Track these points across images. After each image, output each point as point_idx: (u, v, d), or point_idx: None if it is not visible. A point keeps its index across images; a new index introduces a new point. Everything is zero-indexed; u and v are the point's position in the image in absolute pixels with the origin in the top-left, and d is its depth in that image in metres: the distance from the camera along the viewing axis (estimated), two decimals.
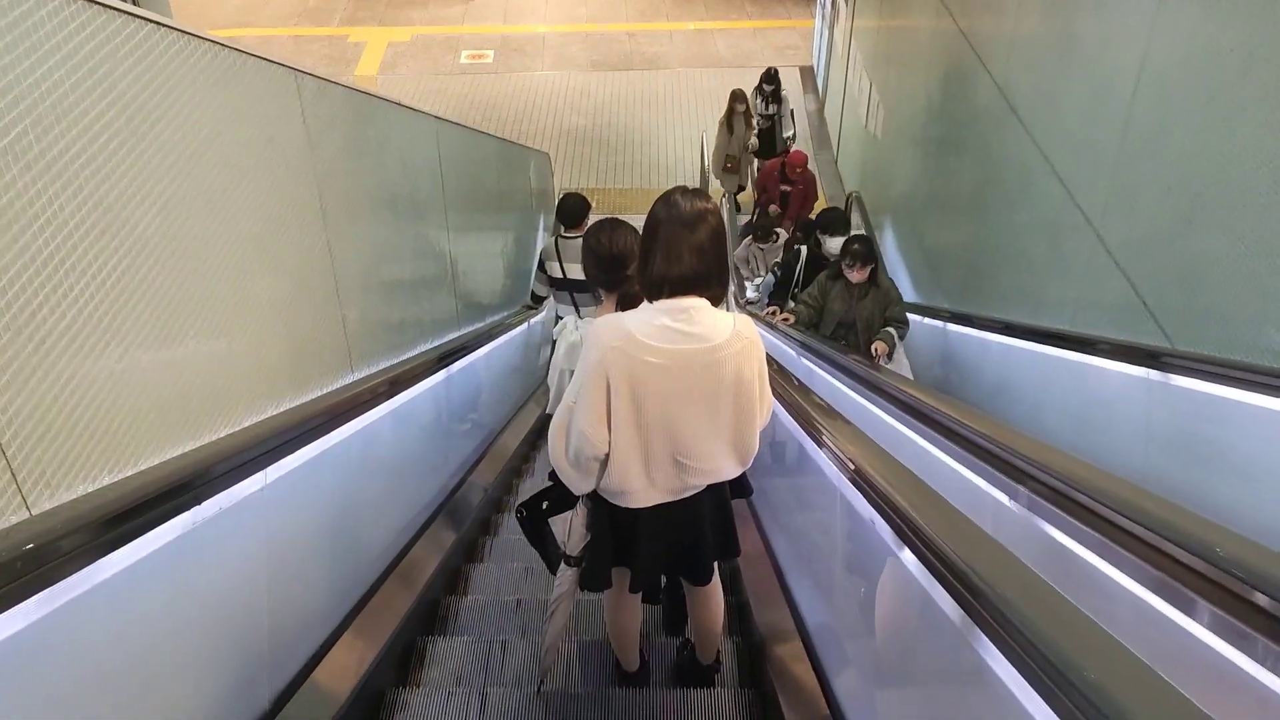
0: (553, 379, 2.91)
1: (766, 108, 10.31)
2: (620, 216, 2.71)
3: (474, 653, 2.97)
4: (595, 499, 2.32)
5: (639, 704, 2.67)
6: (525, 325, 6.49)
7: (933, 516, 1.59)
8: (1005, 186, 4.90)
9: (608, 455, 2.13)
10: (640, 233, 2.19)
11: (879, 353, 4.64)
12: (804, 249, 6.00)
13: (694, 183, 11.00)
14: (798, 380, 3.22)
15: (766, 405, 2.26)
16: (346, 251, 2.80)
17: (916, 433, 2.75)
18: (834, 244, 5.56)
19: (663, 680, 2.90)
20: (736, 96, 9.71)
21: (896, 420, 2.95)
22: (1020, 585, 1.26)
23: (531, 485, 4.89)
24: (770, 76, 10.34)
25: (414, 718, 2.60)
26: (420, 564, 3.23)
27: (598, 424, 2.08)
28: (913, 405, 2.83)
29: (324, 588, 2.50)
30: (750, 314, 5.70)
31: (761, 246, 7.95)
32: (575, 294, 5.20)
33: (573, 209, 5.10)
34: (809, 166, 9.07)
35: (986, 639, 1.27)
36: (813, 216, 7.79)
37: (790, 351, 4.98)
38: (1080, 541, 1.74)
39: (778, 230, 8.07)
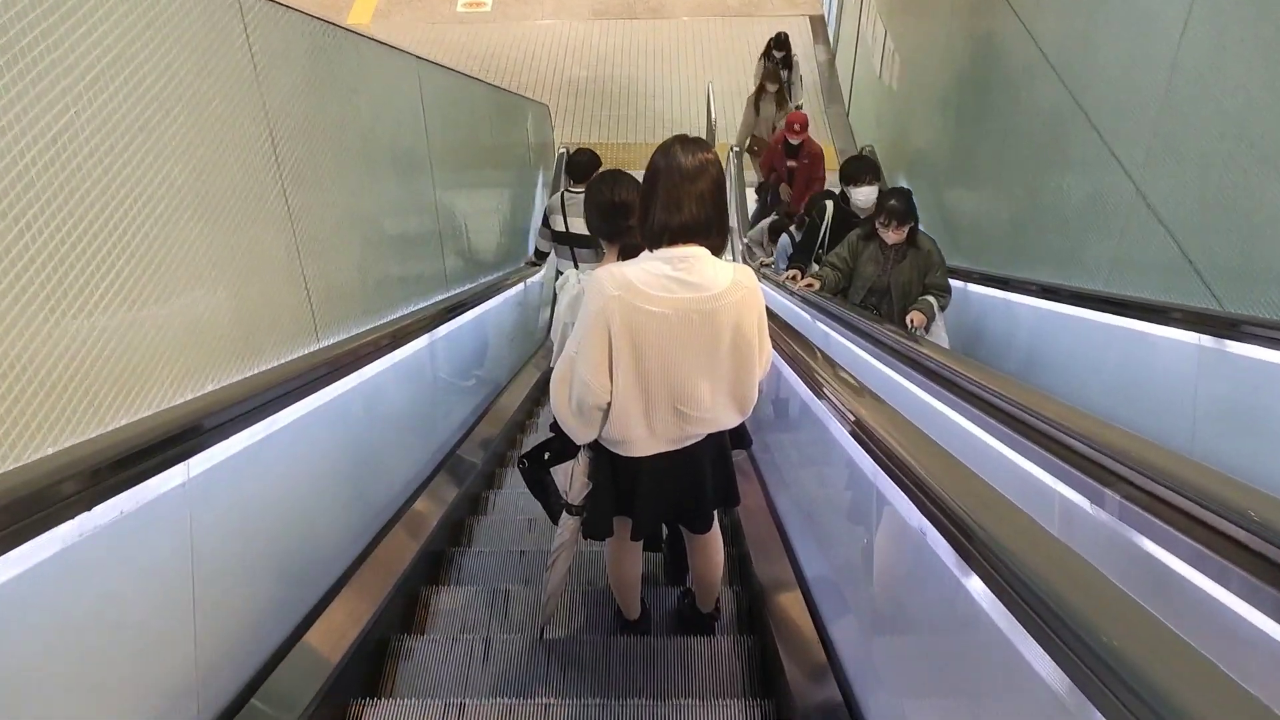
0: (555, 332, 2.92)
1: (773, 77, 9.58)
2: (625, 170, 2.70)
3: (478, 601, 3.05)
4: (596, 448, 2.35)
5: (640, 650, 2.72)
6: (522, 285, 6.21)
7: (927, 462, 1.60)
8: (1034, 138, 4.58)
9: (609, 404, 2.15)
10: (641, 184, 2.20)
11: (915, 324, 4.07)
12: (829, 203, 5.21)
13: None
14: (819, 352, 2.96)
15: (766, 355, 2.30)
16: (309, 205, 2.52)
17: (965, 416, 2.45)
18: (863, 196, 4.86)
19: (663, 628, 2.95)
20: (769, 75, 8.99)
21: (936, 399, 2.66)
22: (1016, 529, 1.25)
23: (534, 439, 4.71)
24: (780, 41, 9.64)
25: (418, 663, 2.68)
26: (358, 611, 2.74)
27: (599, 373, 2.11)
28: (960, 383, 2.52)
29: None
30: (766, 277, 5.42)
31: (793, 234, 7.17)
32: (576, 249, 5.23)
33: (583, 164, 5.08)
34: (813, 140, 8.11)
35: (980, 581, 1.27)
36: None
37: (803, 315, 4.68)
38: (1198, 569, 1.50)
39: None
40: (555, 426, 2.43)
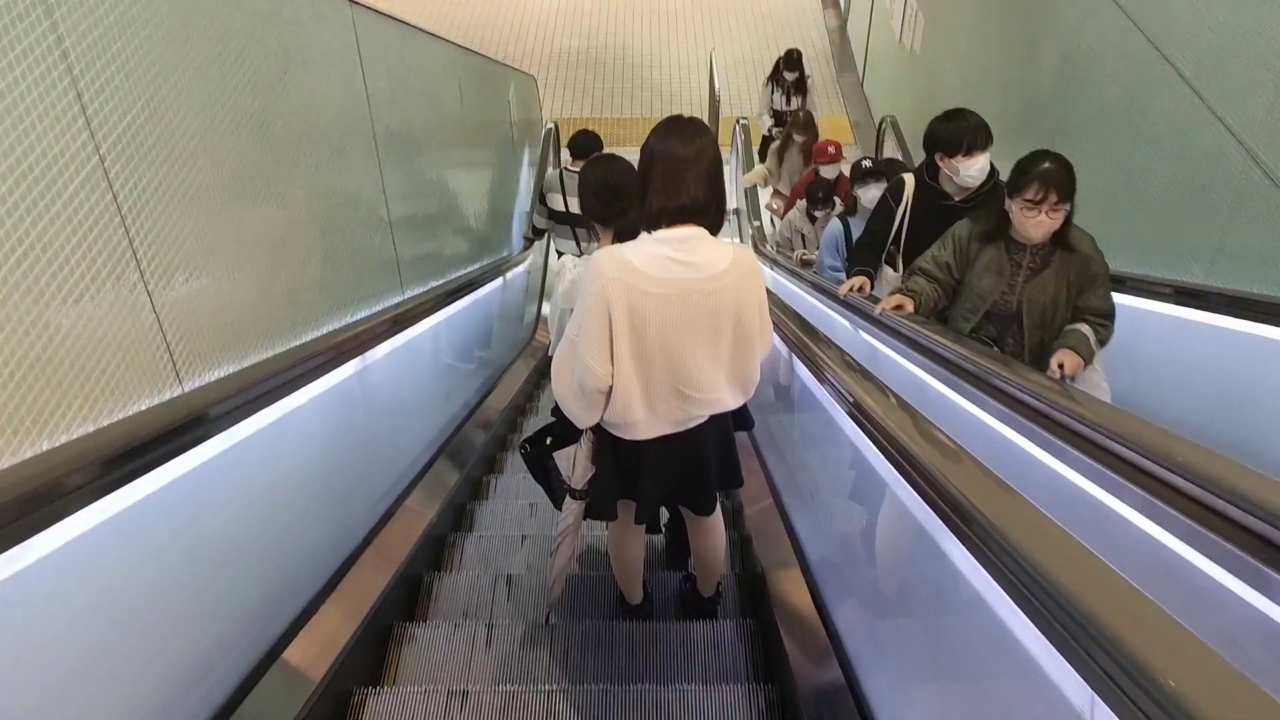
0: (552, 318, 2.94)
1: (787, 102, 8.05)
2: (620, 149, 2.82)
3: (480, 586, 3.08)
4: (599, 431, 2.37)
5: (642, 635, 2.77)
6: (501, 281, 5.50)
7: (929, 449, 1.61)
8: (1104, 100, 3.87)
9: (611, 387, 2.17)
10: (636, 167, 2.20)
11: (1066, 370, 2.63)
12: (909, 178, 3.55)
13: (700, 111, 9.92)
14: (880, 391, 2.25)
15: (766, 335, 2.31)
16: (157, 194, 1.82)
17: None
18: (973, 170, 3.17)
19: (666, 612, 3.01)
20: (802, 125, 7.05)
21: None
22: (1021, 520, 1.25)
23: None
24: (792, 60, 8.03)
25: (421, 649, 2.72)
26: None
27: (600, 356, 2.12)
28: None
29: None
30: (818, 286, 4.17)
31: (816, 214, 5.81)
32: (577, 228, 5.30)
33: (585, 143, 5.26)
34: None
35: (979, 566, 1.29)
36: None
37: (840, 321, 3.69)
38: None
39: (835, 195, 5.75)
40: (557, 410, 2.46)
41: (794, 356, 3.06)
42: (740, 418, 2.54)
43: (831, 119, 10.42)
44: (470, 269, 4.91)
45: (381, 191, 3.39)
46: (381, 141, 3.39)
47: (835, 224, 4.74)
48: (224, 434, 1.93)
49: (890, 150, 8.20)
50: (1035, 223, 2.67)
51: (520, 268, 6.36)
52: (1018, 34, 5.27)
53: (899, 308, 2.93)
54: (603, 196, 2.58)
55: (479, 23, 12.05)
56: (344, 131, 3.00)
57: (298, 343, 2.48)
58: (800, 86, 8.04)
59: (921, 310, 2.93)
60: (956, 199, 3.29)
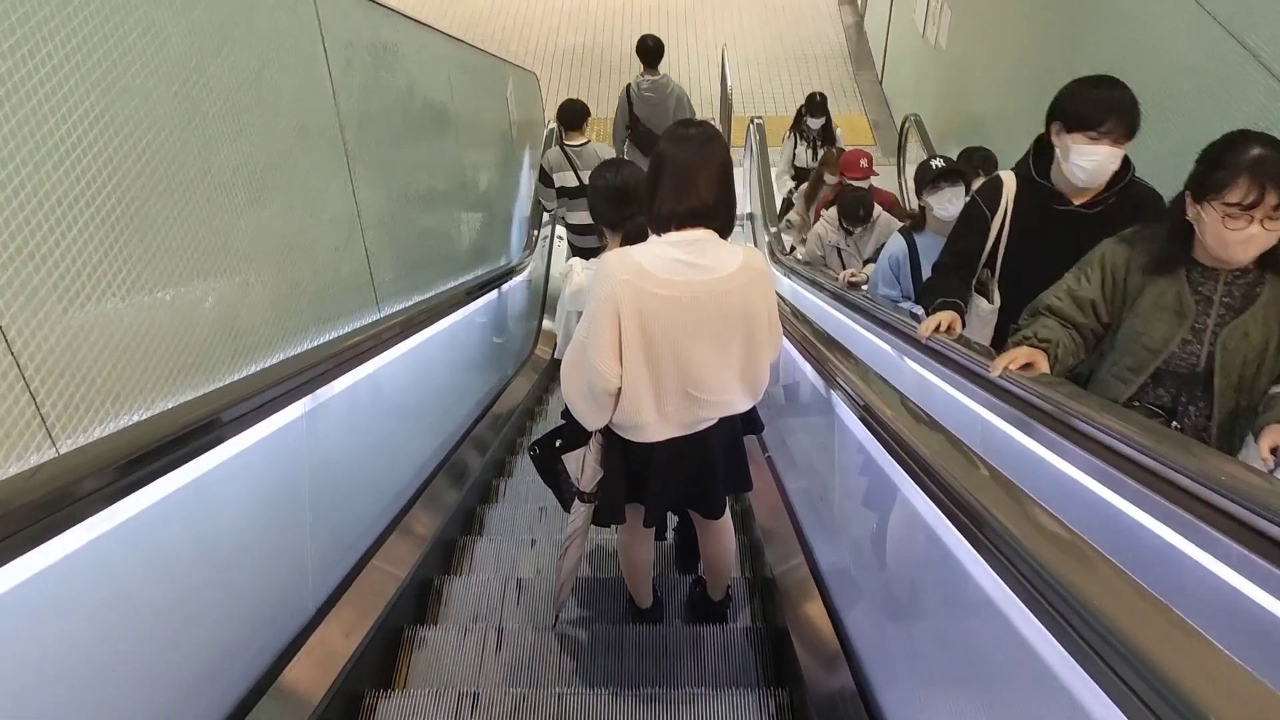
0: (559, 322, 2.92)
1: (814, 156, 7.11)
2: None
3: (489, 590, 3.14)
4: (608, 434, 2.41)
5: (652, 639, 2.79)
6: (496, 294, 5.08)
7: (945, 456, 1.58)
8: (1170, 92, 3.44)
9: (620, 389, 2.21)
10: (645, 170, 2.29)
11: None
12: (1009, 178, 2.70)
13: (712, 111, 9.52)
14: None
15: (776, 337, 2.35)
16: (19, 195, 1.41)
17: None
18: (1087, 159, 2.40)
19: (675, 616, 3.04)
20: (835, 164, 5.98)
21: None
22: (1040, 528, 1.21)
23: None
24: (816, 105, 7.08)
25: (431, 652, 2.75)
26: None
27: (609, 358, 2.16)
28: None
29: None
30: (880, 318, 3.26)
31: (850, 230, 5.08)
32: None
33: (577, 111, 5.62)
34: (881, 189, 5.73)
35: (995, 574, 1.28)
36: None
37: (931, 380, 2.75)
38: None
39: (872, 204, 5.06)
40: (566, 413, 2.53)
41: (837, 397, 2.60)
42: (749, 421, 2.57)
43: (850, 119, 10.03)
44: (462, 280, 4.50)
45: (351, 195, 2.97)
46: (351, 138, 2.99)
47: (897, 242, 3.72)
48: (131, 497, 1.51)
49: (914, 152, 7.77)
50: (1243, 238, 1.88)
51: (519, 277, 5.94)
52: (1061, 23, 4.89)
53: (1028, 366, 2.07)
54: (613, 200, 2.66)
55: (480, 20, 11.75)
56: (301, 125, 2.59)
57: (234, 378, 2.05)
58: (828, 135, 7.09)
59: (1058, 368, 2.13)
60: (1075, 203, 2.52)
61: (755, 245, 7.70)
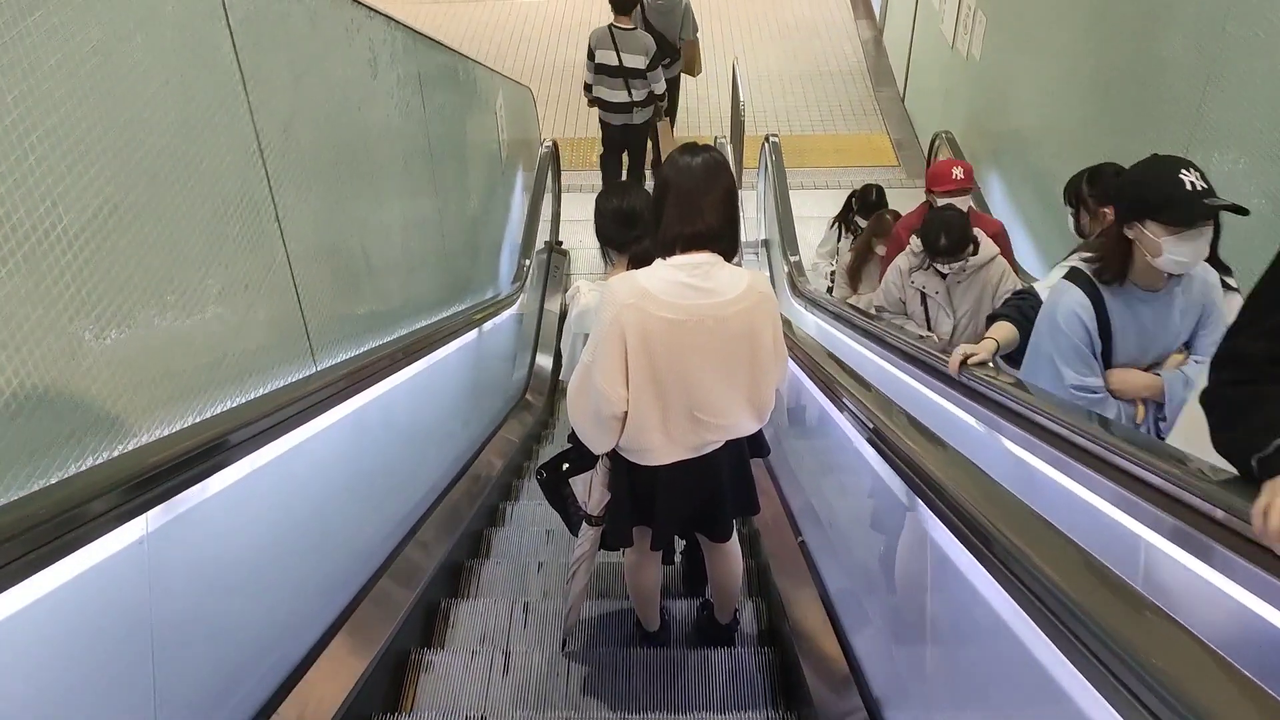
0: (565, 344, 2.98)
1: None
2: None
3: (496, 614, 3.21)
4: (615, 458, 2.50)
5: (660, 662, 2.85)
6: (476, 335, 4.46)
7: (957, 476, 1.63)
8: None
9: (626, 412, 2.27)
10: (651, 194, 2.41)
11: None
12: None
13: (721, 129, 8.96)
14: None
15: (782, 360, 2.44)
16: None
17: None
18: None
19: (683, 639, 3.12)
20: (887, 230, 5.04)
21: None
22: (1054, 550, 1.25)
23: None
24: (870, 203, 5.82)
25: (438, 677, 2.81)
26: None
27: (615, 382, 2.23)
28: None
29: None
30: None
31: (944, 271, 3.75)
32: (630, 80, 6.71)
33: None
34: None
35: (1007, 595, 1.31)
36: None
37: None
38: None
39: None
40: (573, 437, 2.58)
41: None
42: (756, 444, 2.66)
43: (870, 139, 9.54)
44: (432, 320, 3.87)
45: (274, 217, 2.36)
46: (273, 145, 2.36)
47: (1073, 296, 2.49)
48: None
49: None
50: None
51: (507, 313, 5.30)
52: (1123, 21, 4.30)
53: None
54: (620, 222, 2.73)
55: (474, 34, 11.50)
56: (186, 124, 1.96)
57: (89, 463, 1.46)
58: (881, 227, 5.77)
59: None
60: None
61: (772, 276, 7.06)
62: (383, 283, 3.53)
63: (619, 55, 6.28)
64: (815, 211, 8.17)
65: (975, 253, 3.69)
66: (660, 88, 6.92)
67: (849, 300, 5.17)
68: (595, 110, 6.97)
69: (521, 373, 6.14)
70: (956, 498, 1.58)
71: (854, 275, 5.33)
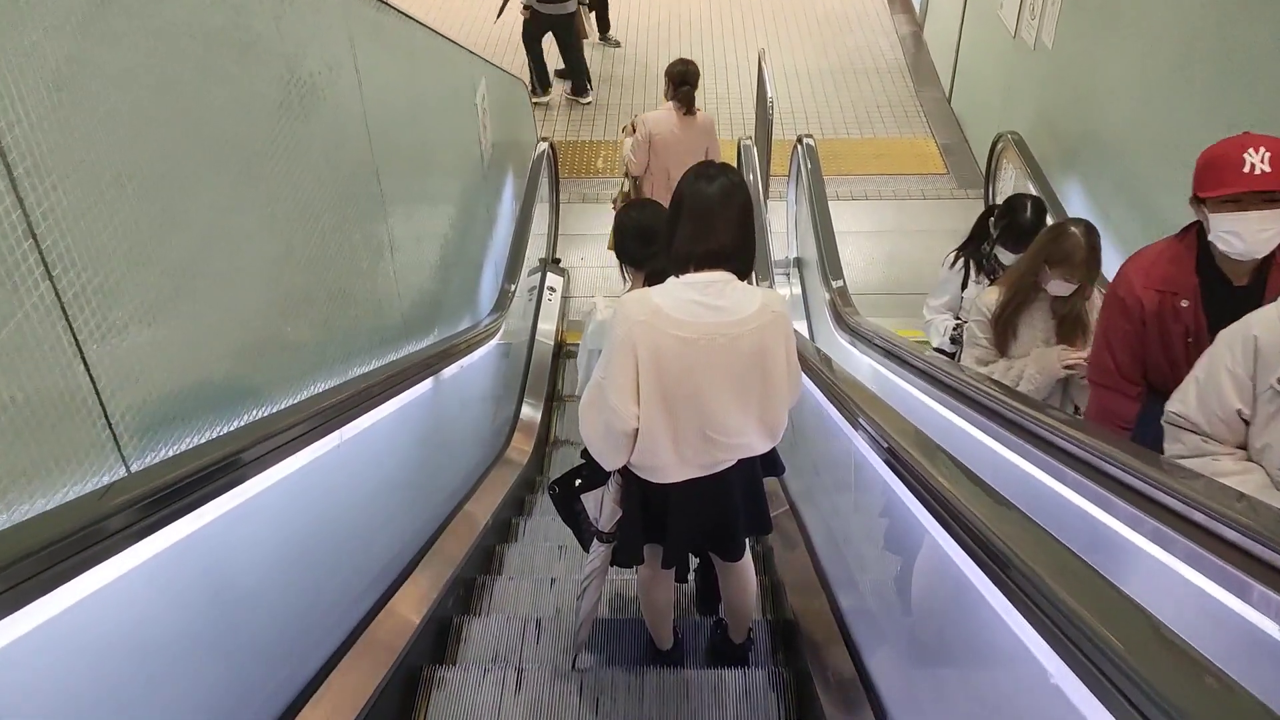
0: (581, 360, 3.01)
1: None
2: None
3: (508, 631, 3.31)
4: (626, 475, 2.59)
5: (672, 682, 2.92)
6: (457, 368, 3.57)
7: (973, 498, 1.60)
8: None
9: (637, 430, 2.38)
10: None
11: None
12: None
13: (744, 129, 8.06)
14: None
15: (795, 380, 2.49)
16: None
17: None
18: None
19: (696, 658, 3.20)
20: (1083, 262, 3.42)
21: None
22: (1073, 575, 1.22)
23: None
24: (1022, 229, 3.78)
25: (451, 694, 2.85)
26: None
27: (626, 399, 2.29)
28: None
29: None
30: None
31: None
32: None
33: None
34: None
35: (1021, 616, 1.30)
36: None
37: None
38: None
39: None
40: (586, 453, 2.68)
41: None
42: (770, 463, 2.74)
43: (914, 143, 8.64)
44: (386, 359, 2.98)
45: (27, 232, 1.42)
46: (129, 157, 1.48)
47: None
48: None
49: (1011, 180, 6.19)
50: None
51: (486, 346, 4.36)
52: None
53: None
54: (640, 235, 2.79)
55: (474, 30, 10.67)
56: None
57: None
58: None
59: None
60: None
61: (806, 303, 6.07)
62: (312, 313, 2.59)
63: None
64: (853, 226, 7.28)
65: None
66: None
67: (990, 367, 3.48)
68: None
69: (507, 411, 5.18)
70: None
71: (1004, 330, 3.50)
